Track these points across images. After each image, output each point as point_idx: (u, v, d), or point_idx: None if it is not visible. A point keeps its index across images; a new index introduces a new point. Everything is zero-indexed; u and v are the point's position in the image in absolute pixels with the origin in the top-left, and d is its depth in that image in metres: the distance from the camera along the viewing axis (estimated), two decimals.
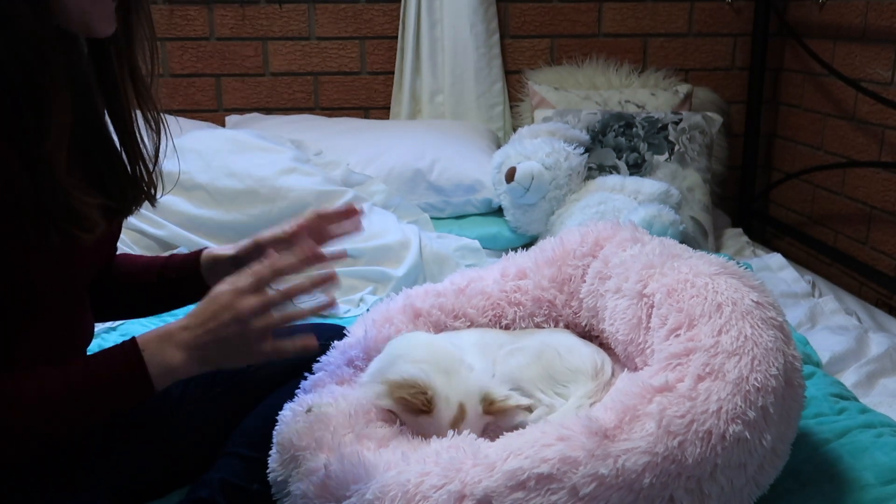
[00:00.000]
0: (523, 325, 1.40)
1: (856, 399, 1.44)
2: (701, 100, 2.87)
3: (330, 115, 2.85)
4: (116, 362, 0.95)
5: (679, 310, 1.08)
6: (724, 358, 0.98)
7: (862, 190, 2.47)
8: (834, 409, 1.36)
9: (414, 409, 1.08)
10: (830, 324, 1.90)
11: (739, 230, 2.69)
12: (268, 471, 1.10)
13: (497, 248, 2.42)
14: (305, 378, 1.24)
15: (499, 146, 2.60)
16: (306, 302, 1.02)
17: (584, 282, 1.33)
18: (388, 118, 2.90)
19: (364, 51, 2.86)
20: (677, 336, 1.05)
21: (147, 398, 0.97)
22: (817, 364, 1.61)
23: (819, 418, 1.32)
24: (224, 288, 0.99)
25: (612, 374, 1.22)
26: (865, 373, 1.62)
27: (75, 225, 0.94)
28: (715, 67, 2.98)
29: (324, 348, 1.29)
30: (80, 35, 1.00)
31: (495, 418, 1.12)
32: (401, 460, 0.98)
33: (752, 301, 1.07)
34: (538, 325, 1.39)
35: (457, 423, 1.08)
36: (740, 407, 0.94)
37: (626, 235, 1.32)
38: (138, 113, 1.09)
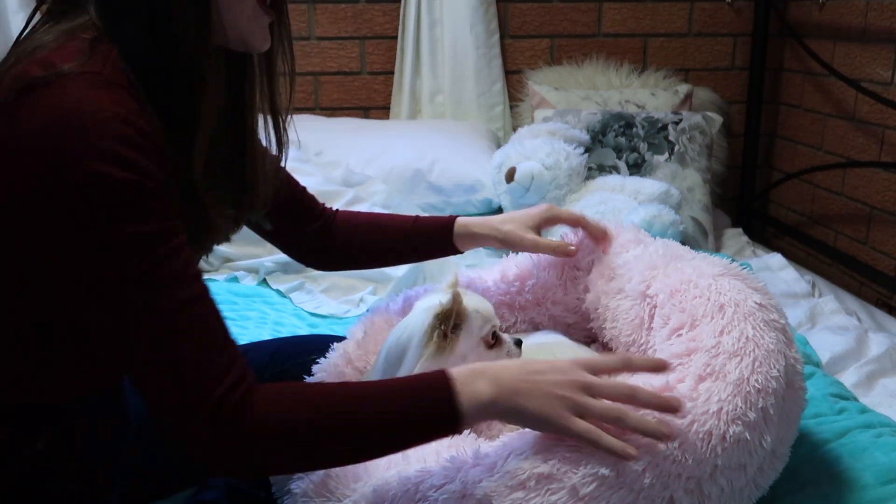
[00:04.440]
0: (523, 329, 1.40)
1: (855, 399, 1.44)
2: (701, 100, 2.87)
3: (330, 115, 2.85)
4: (426, 390, 0.88)
5: (682, 310, 1.08)
6: (725, 359, 0.98)
7: (862, 190, 2.47)
8: (834, 409, 1.36)
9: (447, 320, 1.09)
10: (830, 324, 1.90)
11: (739, 230, 2.69)
12: None
13: None
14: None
15: (499, 146, 2.60)
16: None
17: (587, 283, 1.33)
18: (388, 118, 2.90)
19: (364, 51, 2.86)
20: (679, 336, 1.05)
21: (455, 433, 0.88)
22: (817, 364, 1.61)
23: (819, 418, 1.32)
24: (567, 359, 0.92)
25: None
26: (865, 373, 1.62)
27: (209, 235, 0.97)
28: (715, 67, 2.98)
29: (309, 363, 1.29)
30: (239, 51, 1.00)
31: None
32: (401, 459, 0.98)
33: (755, 303, 1.07)
34: (538, 327, 1.39)
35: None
36: (741, 408, 0.94)
37: (628, 237, 1.32)
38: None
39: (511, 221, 1.30)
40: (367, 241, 1.35)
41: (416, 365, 1.11)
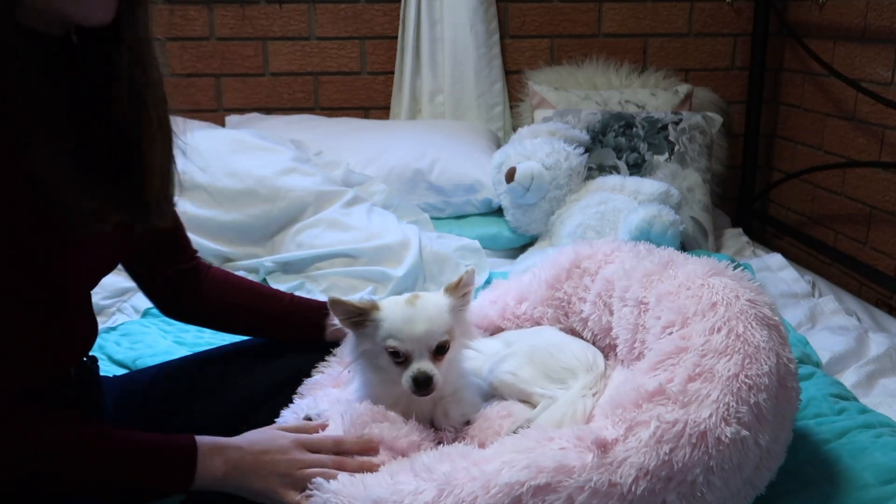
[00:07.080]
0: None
1: (855, 399, 1.44)
2: (701, 100, 2.87)
3: (330, 115, 2.85)
4: (171, 451, 0.99)
5: (673, 309, 1.08)
6: (715, 357, 0.98)
7: (862, 190, 2.47)
8: (834, 410, 1.36)
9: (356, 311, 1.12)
10: (830, 324, 1.90)
11: (739, 230, 2.69)
12: None
13: (497, 248, 2.42)
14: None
15: (499, 146, 2.60)
16: None
17: (586, 300, 1.33)
18: (388, 118, 2.90)
19: (364, 51, 2.86)
20: (670, 333, 1.05)
21: (180, 493, 1.00)
22: (817, 364, 1.61)
23: (819, 418, 1.32)
24: (288, 435, 1.06)
25: (605, 368, 1.23)
26: (865, 373, 1.62)
27: (74, 220, 0.94)
28: (715, 67, 2.98)
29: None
30: (72, 25, 0.94)
31: (458, 296, 1.14)
32: (399, 473, 0.98)
33: (747, 301, 1.07)
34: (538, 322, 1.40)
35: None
36: (733, 406, 0.94)
37: (625, 252, 1.31)
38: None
39: None
40: (239, 305, 1.31)
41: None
